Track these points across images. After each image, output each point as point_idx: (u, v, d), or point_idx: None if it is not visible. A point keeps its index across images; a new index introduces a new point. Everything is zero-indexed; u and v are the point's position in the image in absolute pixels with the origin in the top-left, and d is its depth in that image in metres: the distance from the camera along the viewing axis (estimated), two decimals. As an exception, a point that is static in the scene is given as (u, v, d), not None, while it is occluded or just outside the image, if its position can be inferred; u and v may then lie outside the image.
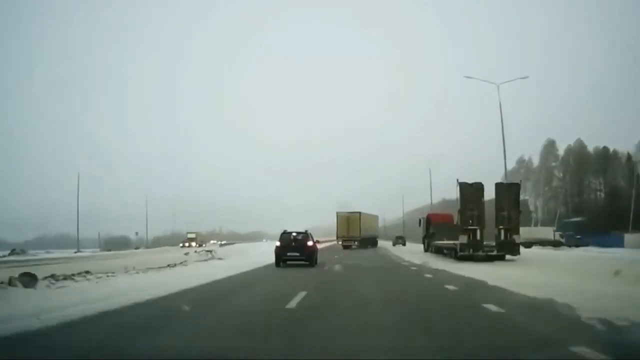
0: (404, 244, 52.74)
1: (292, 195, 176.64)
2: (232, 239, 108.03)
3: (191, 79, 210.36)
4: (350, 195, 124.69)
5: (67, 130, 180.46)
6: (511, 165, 70.25)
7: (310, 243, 18.74)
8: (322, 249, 47.65)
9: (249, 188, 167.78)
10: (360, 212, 47.90)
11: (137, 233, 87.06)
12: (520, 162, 70.81)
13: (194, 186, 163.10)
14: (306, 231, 19.34)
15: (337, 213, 46.62)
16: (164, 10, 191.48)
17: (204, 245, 65.60)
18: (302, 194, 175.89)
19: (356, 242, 45.29)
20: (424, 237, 32.03)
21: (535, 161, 70.66)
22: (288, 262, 18.53)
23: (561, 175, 67.49)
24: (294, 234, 19.04)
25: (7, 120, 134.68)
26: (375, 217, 57.52)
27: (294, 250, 18.36)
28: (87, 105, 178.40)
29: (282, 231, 19.47)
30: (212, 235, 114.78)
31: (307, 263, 18.30)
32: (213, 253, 30.87)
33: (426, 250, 30.51)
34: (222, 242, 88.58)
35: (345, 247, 43.64)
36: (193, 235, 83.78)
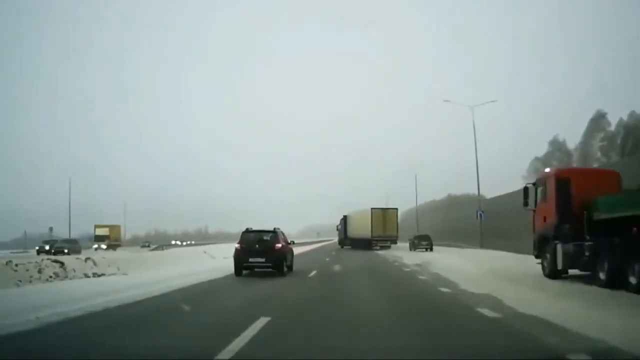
0: (430, 248, 36.16)
1: (290, 194, 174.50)
2: (220, 238, 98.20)
3: (191, 79, 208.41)
4: (347, 194, 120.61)
5: (68, 127, 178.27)
6: (544, 148, 62.10)
7: (279, 245, 15.37)
8: (313, 251, 39.30)
9: (248, 188, 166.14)
10: (397, 209, 44.48)
11: (51, 229, 58.10)
12: (555, 143, 59.72)
13: (192, 186, 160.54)
14: (275, 229, 16.09)
15: (371, 209, 42.11)
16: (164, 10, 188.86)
17: (107, 248, 45.71)
18: (300, 193, 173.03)
19: (394, 243, 41.60)
20: (558, 238, 12.45)
21: (572, 143, 59.10)
22: (255, 270, 15.43)
23: (605, 156, 53.28)
24: (259, 233, 15.90)
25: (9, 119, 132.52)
26: None
27: (258, 254, 15.06)
28: (88, 102, 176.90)
29: (244, 229, 16.12)
30: (193, 235, 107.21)
31: (275, 271, 15.06)
32: (89, 264, 15.79)
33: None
34: (187, 243, 78.06)
35: (382, 248, 40.07)
36: (104, 232, 54.48)
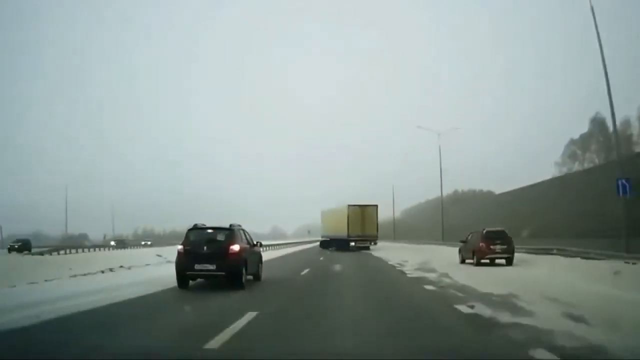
0: (509, 260, 19.30)
1: (290, 194, 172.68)
2: None
3: (190, 79, 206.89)
4: (347, 193, 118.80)
5: (67, 126, 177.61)
6: (583, 127, 51.78)
7: (235, 248, 11.49)
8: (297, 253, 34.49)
9: (247, 188, 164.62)
10: (377, 205, 39.39)
11: None
12: (596, 122, 48.48)
13: (191, 186, 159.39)
14: (232, 226, 12.18)
15: (348, 206, 37.53)
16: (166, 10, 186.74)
17: None
18: (300, 193, 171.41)
19: (374, 243, 38.26)
20: None
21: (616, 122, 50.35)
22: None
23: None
24: (210, 231, 12.16)
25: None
26: None
27: (207, 260, 11.28)
28: (88, 102, 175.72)
29: (192, 226, 12.32)
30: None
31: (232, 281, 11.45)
32: None
33: None
34: (144, 243, 69.30)
35: (360, 248, 36.46)
36: None
